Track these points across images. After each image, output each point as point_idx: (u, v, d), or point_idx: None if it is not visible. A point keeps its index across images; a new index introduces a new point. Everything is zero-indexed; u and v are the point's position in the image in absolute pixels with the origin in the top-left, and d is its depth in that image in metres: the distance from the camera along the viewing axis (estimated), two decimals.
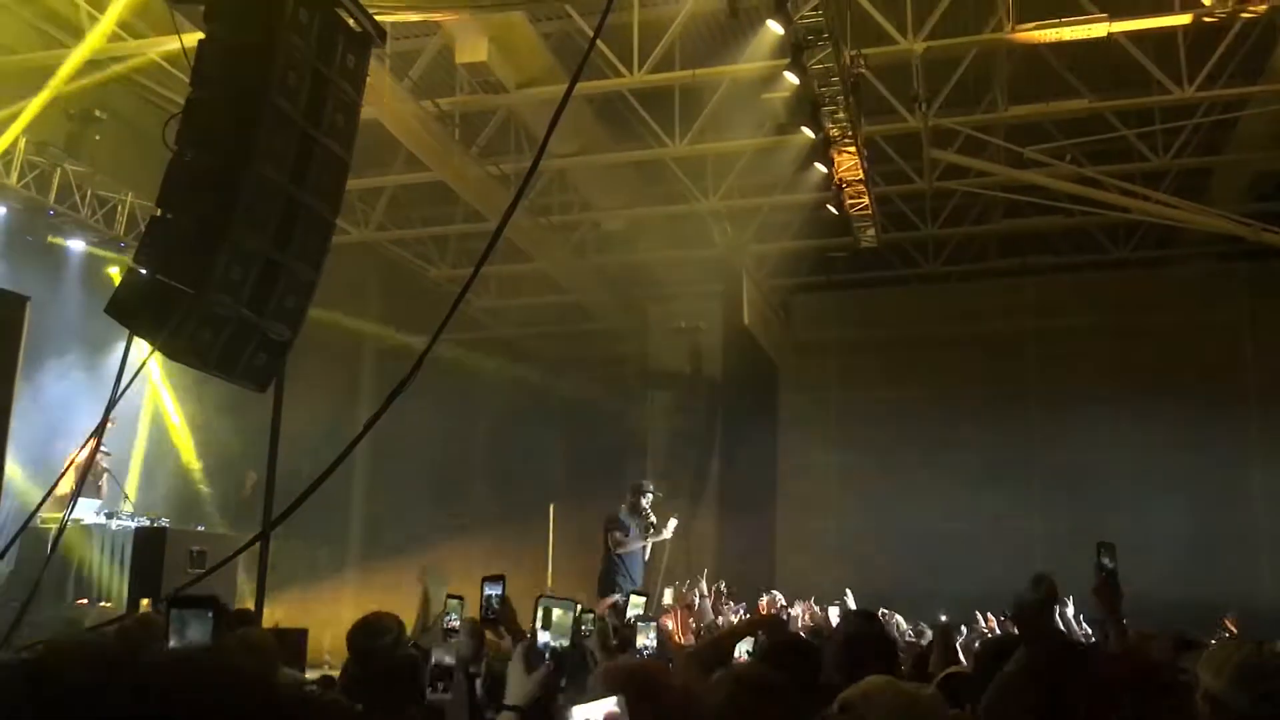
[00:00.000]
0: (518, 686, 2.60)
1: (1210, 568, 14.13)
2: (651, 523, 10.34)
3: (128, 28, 11.07)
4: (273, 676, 2.70)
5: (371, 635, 4.43)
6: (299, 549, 13.68)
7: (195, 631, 3.14)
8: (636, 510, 10.29)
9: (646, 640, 4.60)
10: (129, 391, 6.89)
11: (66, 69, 10.63)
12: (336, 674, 4.76)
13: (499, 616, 3.93)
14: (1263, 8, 9.91)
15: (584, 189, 14.98)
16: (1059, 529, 14.69)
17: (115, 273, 12.80)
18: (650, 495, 10.45)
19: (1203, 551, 14.42)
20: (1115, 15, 10.61)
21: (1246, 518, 15.31)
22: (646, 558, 10.50)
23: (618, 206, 15.09)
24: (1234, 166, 13.87)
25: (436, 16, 10.44)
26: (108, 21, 10.17)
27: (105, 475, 11.22)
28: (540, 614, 3.19)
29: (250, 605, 7.13)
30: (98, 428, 7.41)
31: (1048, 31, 10.50)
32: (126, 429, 12.89)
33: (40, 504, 8.56)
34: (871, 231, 13.63)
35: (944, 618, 8.42)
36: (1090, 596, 4.02)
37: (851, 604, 9.20)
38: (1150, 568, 12.48)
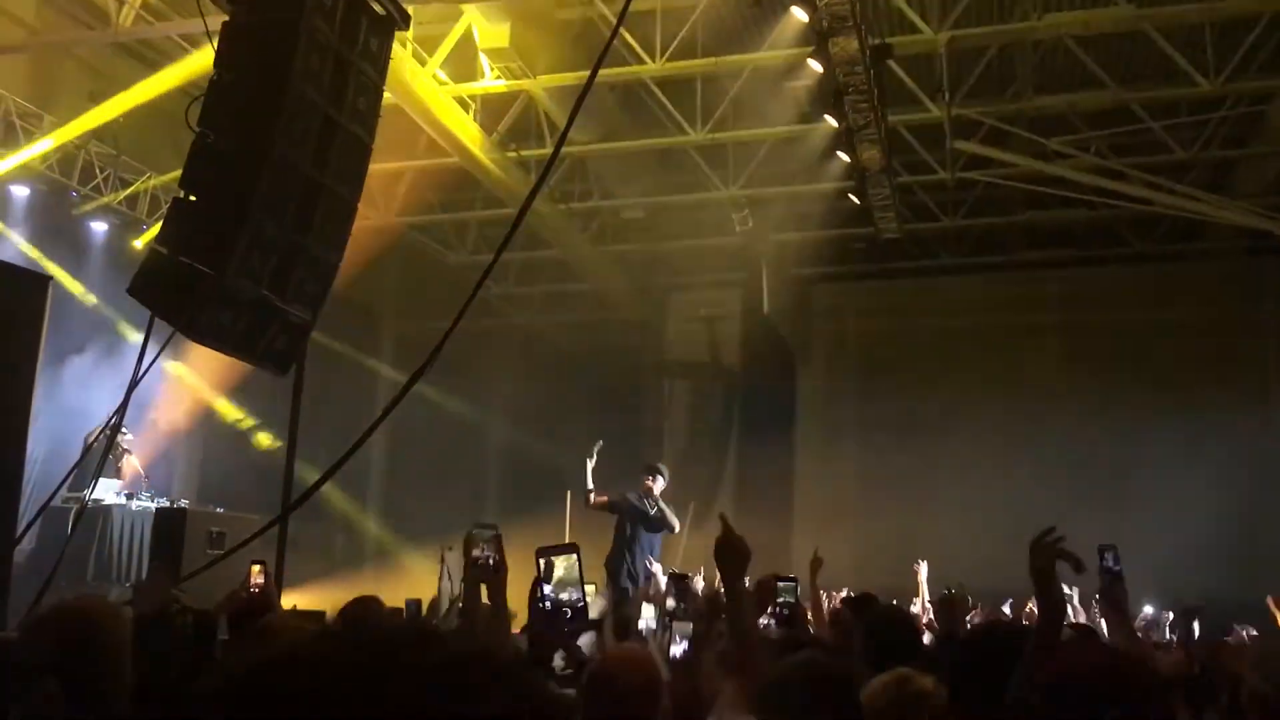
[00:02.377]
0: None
1: (1239, 562, 14.00)
2: (652, 508, 9.96)
3: (152, 10, 11.12)
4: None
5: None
6: (317, 532, 13.76)
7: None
8: (647, 492, 10.00)
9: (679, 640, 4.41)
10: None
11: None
12: None
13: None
14: None
15: (604, 177, 14.95)
16: (1079, 519, 14.57)
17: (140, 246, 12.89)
18: (659, 478, 10.08)
19: (1231, 545, 14.27)
20: (1144, 6, 10.55)
21: (1273, 511, 15.17)
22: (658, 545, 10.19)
23: (638, 194, 15.05)
24: (1260, 160, 13.73)
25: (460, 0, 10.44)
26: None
27: (126, 456, 11.30)
28: (543, 566, 3.11)
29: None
30: (119, 408, 7.45)
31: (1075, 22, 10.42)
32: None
33: (61, 484, 8.63)
34: (893, 222, 13.58)
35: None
36: (1099, 600, 3.97)
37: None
38: (1178, 562, 12.42)
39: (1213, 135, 13.01)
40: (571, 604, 2.77)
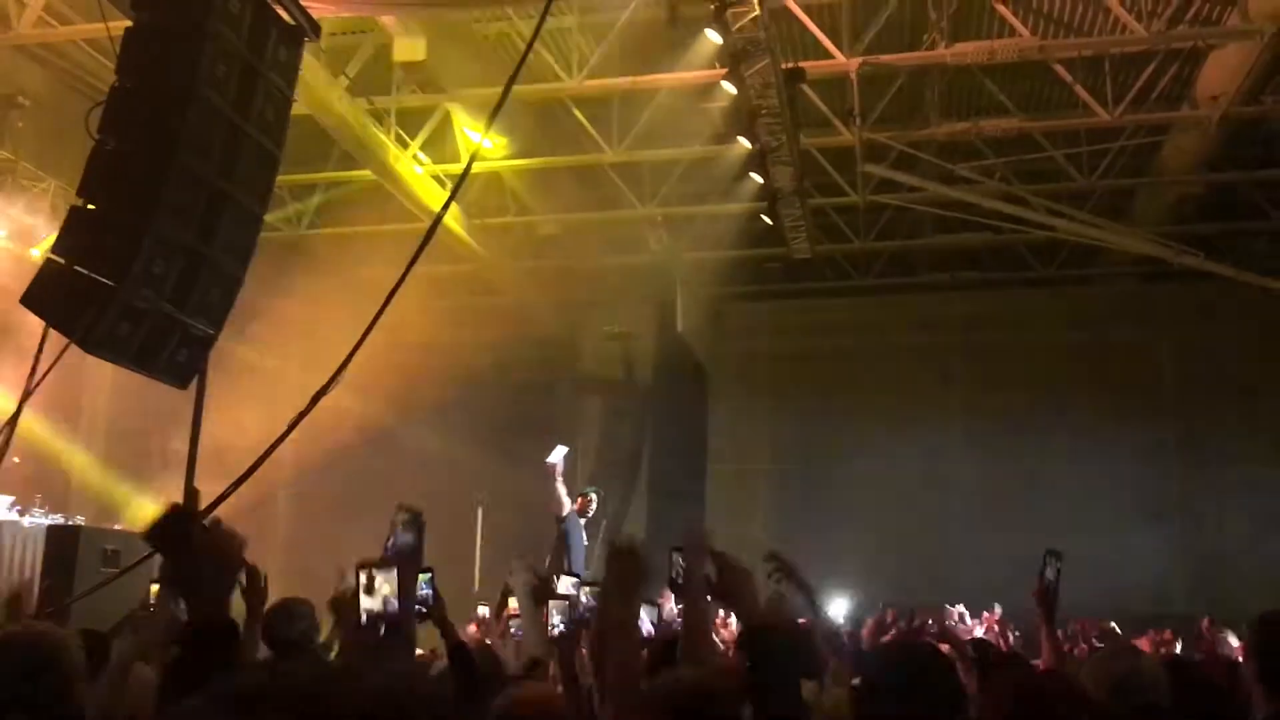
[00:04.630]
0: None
1: (1125, 579, 14.41)
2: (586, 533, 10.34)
3: (55, 13, 10.82)
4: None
5: (289, 622, 4.37)
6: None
7: None
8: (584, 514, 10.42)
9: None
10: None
11: None
12: None
13: (431, 612, 3.81)
14: None
15: (520, 192, 14.90)
16: (986, 535, 14.98)
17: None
18: (595, 501, 10.62)
19: (1116, 562, 14.70)
20: (1046, 37, 10.91)
21: (1162, 530, 15.72)
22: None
23: (554, 211, 15.03)
24: (1157, 188, 14.21)
25: (371, 12, 10.34)
26: None
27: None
28: (364, 579, 3.09)
29: None
30: (11, 419, 7.20)
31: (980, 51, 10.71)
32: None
33: None
34: (805, 243, 13.78)
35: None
36: (1032, 601, 4.02)
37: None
38: (1069, 579, 12.74)
39: (1111, 164, 13.45)
40: (389, 617, 2.79)
